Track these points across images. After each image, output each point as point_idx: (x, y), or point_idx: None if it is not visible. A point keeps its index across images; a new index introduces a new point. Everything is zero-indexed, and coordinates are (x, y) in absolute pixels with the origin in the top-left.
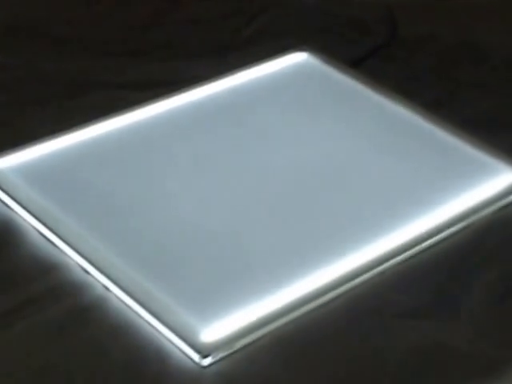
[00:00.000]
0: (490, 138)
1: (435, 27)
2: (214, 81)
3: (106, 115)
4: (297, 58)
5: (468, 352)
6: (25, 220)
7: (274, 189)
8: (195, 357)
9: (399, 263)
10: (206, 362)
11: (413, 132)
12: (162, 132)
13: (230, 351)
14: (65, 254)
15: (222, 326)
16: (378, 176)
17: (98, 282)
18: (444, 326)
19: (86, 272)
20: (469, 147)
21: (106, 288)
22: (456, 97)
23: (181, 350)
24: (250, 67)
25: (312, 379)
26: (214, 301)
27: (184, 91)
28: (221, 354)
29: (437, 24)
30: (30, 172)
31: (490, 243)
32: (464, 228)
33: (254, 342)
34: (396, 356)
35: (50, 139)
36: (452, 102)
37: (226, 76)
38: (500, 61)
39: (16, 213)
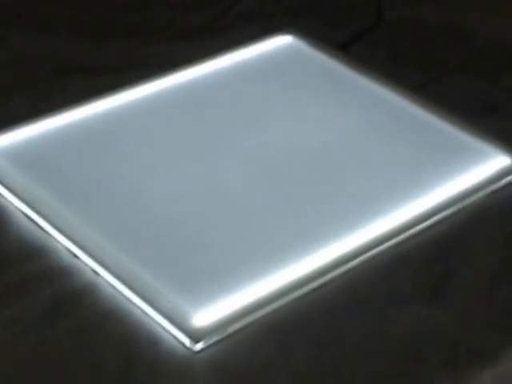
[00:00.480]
0: (477, 122)
1: (421, 11)
2: (198, 63)
3: (92, 98)
4: (282, 41)
5: (464, 338)
6: (12, 204)
7: (262, 172)
8: (187, 342)
9: (391, 248)
10: (198, 347)
11: (400, 116)
12: (147, 115)
13: (222, 336)
14: (53, 238)
15: (214, 311)
16: (367, 160)
17: (88, 266)
18: (439, 311)
19: (76, 256)
20: (458, 131)
21: (96, 273)
22: (442, 80)
23: (172, 335)
24: (235, 50)
25: (304, 364)
26: (206, 286)
27: (169, 74)
28: (212, 339)
29: (423, 8)
30: (18, 155)
31: (480, 228)
32: (454, 213)
33: (245, 326)
34: (387, 340)
35: (36, 122)
36: (438, 85)
37: (211, 59)
38: (487, 44)
39: (3, 197)
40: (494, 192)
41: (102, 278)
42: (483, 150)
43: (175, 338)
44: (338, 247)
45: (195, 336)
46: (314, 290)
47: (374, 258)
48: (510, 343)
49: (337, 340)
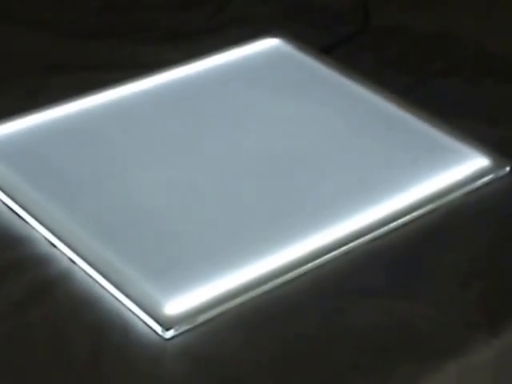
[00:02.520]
0: (458, 125)
1: (408, 17)
2: (186, 64)
3: (78, 95)
4: (269, 44)
5: (429, 331)
6: None
7: (244, 169)
8: (158, 329)
9: (365, 244)
10: (169, 334)
11: (384, 117)
12: (134, 113)
13: (193, 325)
14: (31, 227)
15: (186, 300)
16: (348, 159)
17: (64, 255)
18: (406, 305)
19: (53, 245)
20: (439, 133)
21: (72, 261)
22: (427, 84)
23: (144, 323)
24: (222, 52)
25: (273, 355)
26: (179, 275)
27: (155, 74)
28: (184, 327)
29: (410, 13)
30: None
31: (455, 227)
32: (431, 211)
33: (217, 316)
34: (357, 334)
35: (19, 117)
36: (421, 88)
37: (198, 60)
38: (472, 50)
39: None
40: (471, 192)
41: (78, 266)
42: (462, 151)
43: (147, 325)
44: (311, 242)
45: (166, 324)
46: (286, 283)
47: (346, 253)
48: (474, 336)
49: (303, 331)
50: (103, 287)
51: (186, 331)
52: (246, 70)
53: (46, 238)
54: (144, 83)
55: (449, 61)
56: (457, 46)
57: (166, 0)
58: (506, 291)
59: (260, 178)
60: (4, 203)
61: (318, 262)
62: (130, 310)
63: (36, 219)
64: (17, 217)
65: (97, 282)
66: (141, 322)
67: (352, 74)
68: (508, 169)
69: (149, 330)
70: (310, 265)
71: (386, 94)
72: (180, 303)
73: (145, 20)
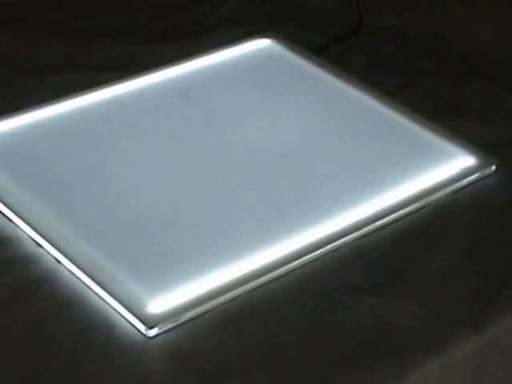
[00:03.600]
0: (446, 124)
1: (399, 19)
2: (177, 64)
3: (69, 95)
4: (260, 45)
5: (415, 328)
6: None
7: (233, 168)
8: (141, 327)
9: (352, 241)
10: (152, 332)
11: (373, 117)
12: (125, 112)
13: (177, 323)
14: (17, 227)
15: (169, 299)
16: (338, 157)
17: (50, 254)
18: (393, 302)
19: (39, 245)
20: (427, 133)
21: (57, 261)
22: (417, 85)
23: (128, 321)
24: (213, 52)
25: (258, 353)
26: (162, 274)
27: (146, 74)
28: (167, 326)
29: (401, 15)
30: None
31: (441, 225)
32: (418, 209)
33: (201, 315)
34: (345, 331)
35: (8, 117)
36: (413, 89)
37: (190, 60)
38: (461, 51)
39: None
40: (458, 190)
41: (63, 265)
42: (449, 150)
43: (131, 323)
44: (298, 240)
45: (150, 322)
46: (271, 281)
47: (333, 251)
48: (457, 333)
49: (289, 329)
50: (88, 286)
51: (170, 329)
52: (238, 71)
53: (32, 239)
54: (136, 83)
55: (438, 61)
56: (446, 46)
57: (159, 0)
58: (489, 289)
59: (248, 177)
60: None
61: (304, 259)
62: (114, 309)
63: (22, 220)
64: (3, 217)
65: (81, 281)
66: (125, 321)
67: (342, 74)
68: (494, 167)
69: (132, 328)
70: (296, 262)
71: (376, 94)
72: (163, 302)
73: (137, 20)
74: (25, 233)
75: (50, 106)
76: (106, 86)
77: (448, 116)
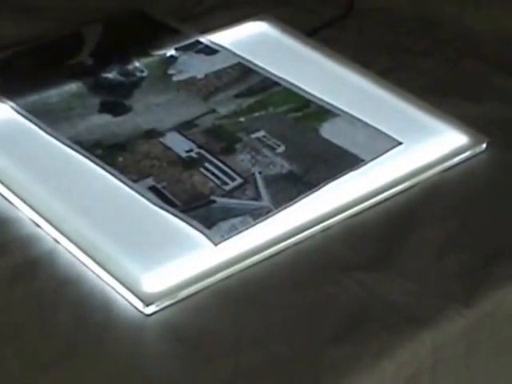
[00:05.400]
0: (437, 104)
1: (390, 1)
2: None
3: None
4: (255, 27)
5: (407, 303)
6: None
7: None
8: (139, 305)
9: (344, 220)
10: (150, 310)
11: (365, 97)
12: None
13: (174, 300)
14: (17, 208)
15: (166, 277)
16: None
17: (49, 235)
18: (385, 279)
19: (38, 226)
20: (418, 112)
21: (56, 241)
22: (408, 66)
23: (126, 299)
24: (208, 35)
25: (252, 327)
26: (159, 253)
27: None
28: (164, 303)
29: None
30: None
31: (433, 202)
32: (409, 187)
33: (198, 292)
34: (335, 307)
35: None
36: (404, 70)
37: (185, 42)
38: (453, 33)
39: None
40: (449, 168)
41: (62, 245)
42: (440, 129)
43: (128, 301)
44: (291, 218)
45: (147, 300)
46: (267, 258)
47: (326, 229)
48: (448, 307)
49: (284, 305)
50: (86, 266)
51: (167, 307)
52: (233, 53)
53: (31, 219)
54: None
55: (429, 42)
56: (437, 28)
57: None
58: (480, 264)
59: None
60: None
61: (298, 237)
62: (112, 288)
63: (21, 200)
64: (2, 199)
65: (80, 260)
66: (123, 299)
67: (335, 55)
68: (484, 146)
69: (130, 306)
70: (290, 240)
71: (367, 75)
72: (160, 280)
73: (133, 6)
74: (24, 214)
75: None
76: None
77: (439, 96)
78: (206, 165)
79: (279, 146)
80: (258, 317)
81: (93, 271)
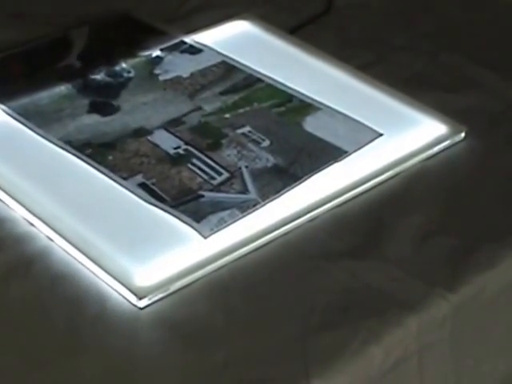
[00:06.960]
0: (417, 96)
1: None
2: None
3: None
4: (237, 26)
5: (393, 289)
6: None
7: None
8: (132, 299)
9: (330, 210)
10: (143, 303)
11: (343, 90)
12: None
13: (166, 293)
14: (10, 208)
15: (158, 270)
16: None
17: (42, 233)
18: (369, 265)
19: (31, 224)
20: (398, 104)
21: (50, 238)
22: (387, 59)
23: (119, 293)
24: (191, 35)
25: (245, 320)
26: (151, 248)
27: None
28: (156, 296)
29: None
30: None
31: (414, 191)
32: (392, 176)
33: (189, 284)
34: (322, 294)
35: None
36: (383, 64)
37: (168, 42)
38: (432, 27)
39: None
40: (429, 158)
41: (56, 243)
42: (420, 119)
43: (122, 295)
44: (277, 210)
45: (140, 293)
46: (255, 249)
47: (312, 220)
48: (433, 292)
49: (274, 294)
50: (80, 262)
51: (160, 300)
52: (216, 51)
53: (24, 218)
54: None
55: (408, 37)
56: (416, 23)
57: None
58: (463, 250)
59: None
60: None
61: (287, 228)
62: (106, 282)
63: (15, 200)
64: None
65: (73, 257)
66: (116, 293)
67: (316, 52)
68: (463, 135)
69: (124, 300)
70: (279, 231)
71: (348, 69)
72: (152, 273)
73: (119, 7)
74: (17, 213)
75: None
76: None
77: (418, 88)
78: (194, 161)
79: (264, 140)
80: (248, 306)
81: (86, 267)
